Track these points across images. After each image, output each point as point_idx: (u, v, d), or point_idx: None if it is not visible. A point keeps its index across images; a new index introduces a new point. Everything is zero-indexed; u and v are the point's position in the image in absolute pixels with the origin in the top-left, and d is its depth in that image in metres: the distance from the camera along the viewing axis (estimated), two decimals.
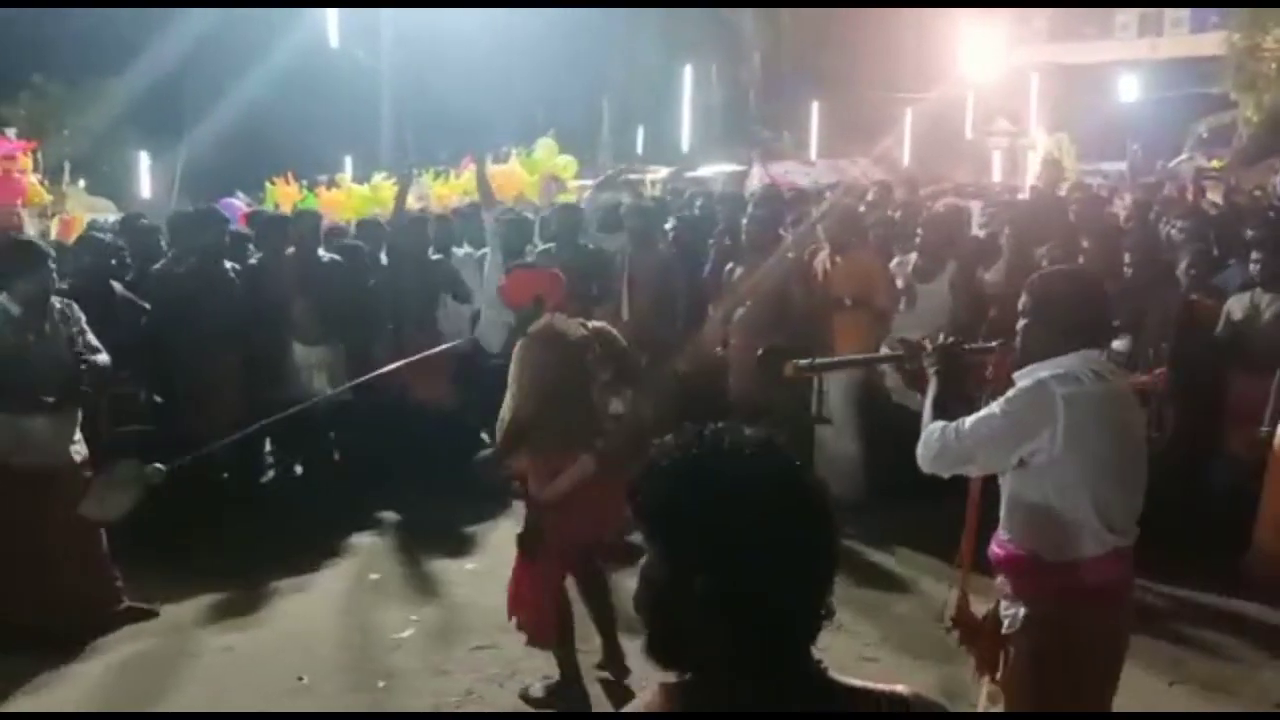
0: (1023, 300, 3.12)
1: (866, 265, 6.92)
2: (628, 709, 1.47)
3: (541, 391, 4.31)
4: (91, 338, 5.28)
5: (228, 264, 7.02)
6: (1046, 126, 19.36)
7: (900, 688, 1.48)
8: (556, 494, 4.30)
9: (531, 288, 4.54)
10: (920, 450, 3.11)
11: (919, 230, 7.08)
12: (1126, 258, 6.20)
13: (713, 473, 1.39)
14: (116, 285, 6.57)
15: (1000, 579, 3.11)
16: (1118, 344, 5.88)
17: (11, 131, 9.35)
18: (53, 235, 8.86)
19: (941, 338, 3.37)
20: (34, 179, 9.08)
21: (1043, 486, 2.94)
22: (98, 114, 20.72)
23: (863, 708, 1.43)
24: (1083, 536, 2.94)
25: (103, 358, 5.28)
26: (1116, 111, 21.38)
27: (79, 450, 5.25)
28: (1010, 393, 3.01)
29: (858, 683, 1.44)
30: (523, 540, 4.39)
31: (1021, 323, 3.10)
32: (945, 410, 3.12)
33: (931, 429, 3.09)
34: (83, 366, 5.14)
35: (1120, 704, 3.16)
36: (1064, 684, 2.97)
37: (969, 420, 3.01)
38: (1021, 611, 3.02)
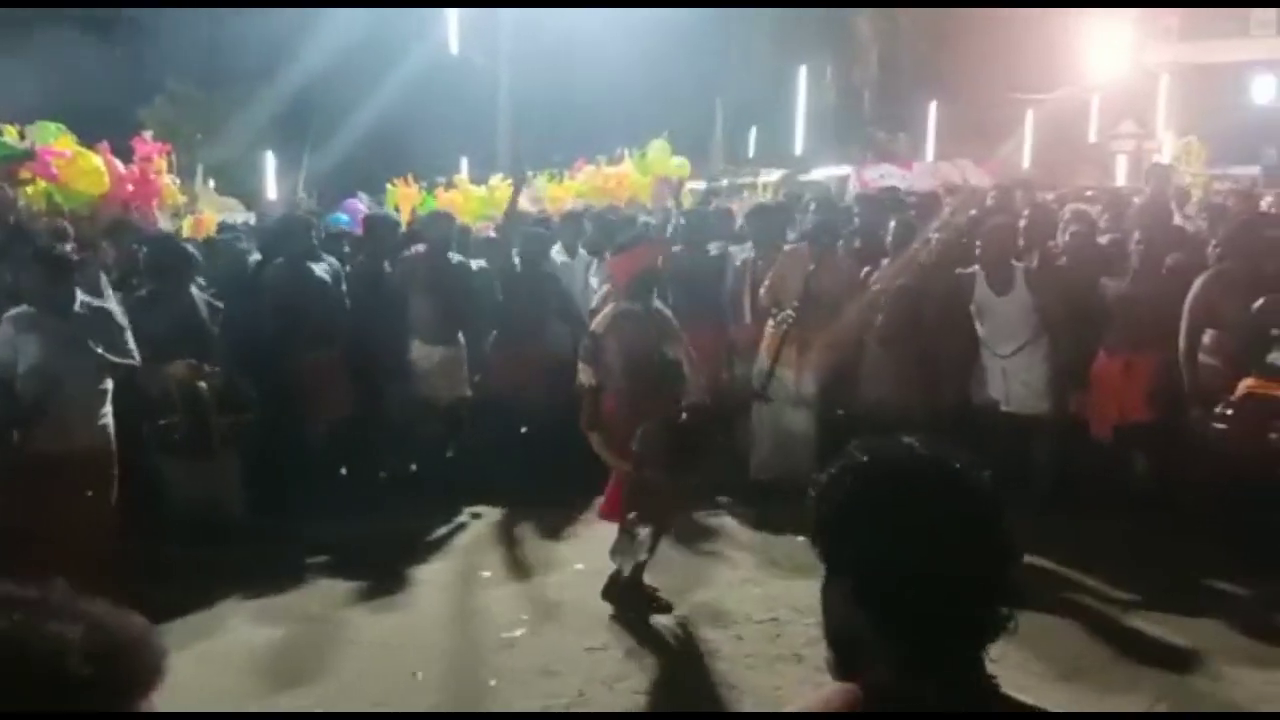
0: None
1: None
2: (801, 705, 1.47)
3: None
4: (128, 344, 5.55)
5: (317, 266, 7.21)
6: (1175, 129, 18.71)
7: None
8: None
9: None
10: None
11: (977, 245, 6.89)
12: None
13: (871, 479, 1.43)
14: (195, 290, 6.66)
15: None
16: (1275, 356, 5.63)
17: (148, 134, 9.71)
18: (185, 234, 9.19)
19: None
20: (169, 180, 9.43)
21: None
22: (228, 118, 21.48)
23: None
24: None
25: (129, 362, 5.56)
26: (1251, 114, 20.52)
27: (98, 440, 5.46)
28: None
29: (1030, 701, 1.43)
30: None
31: None
32: None
33: None
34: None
35: None
36: None
37: None
38: None
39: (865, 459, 1.45)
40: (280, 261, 7.18)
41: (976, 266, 6.80)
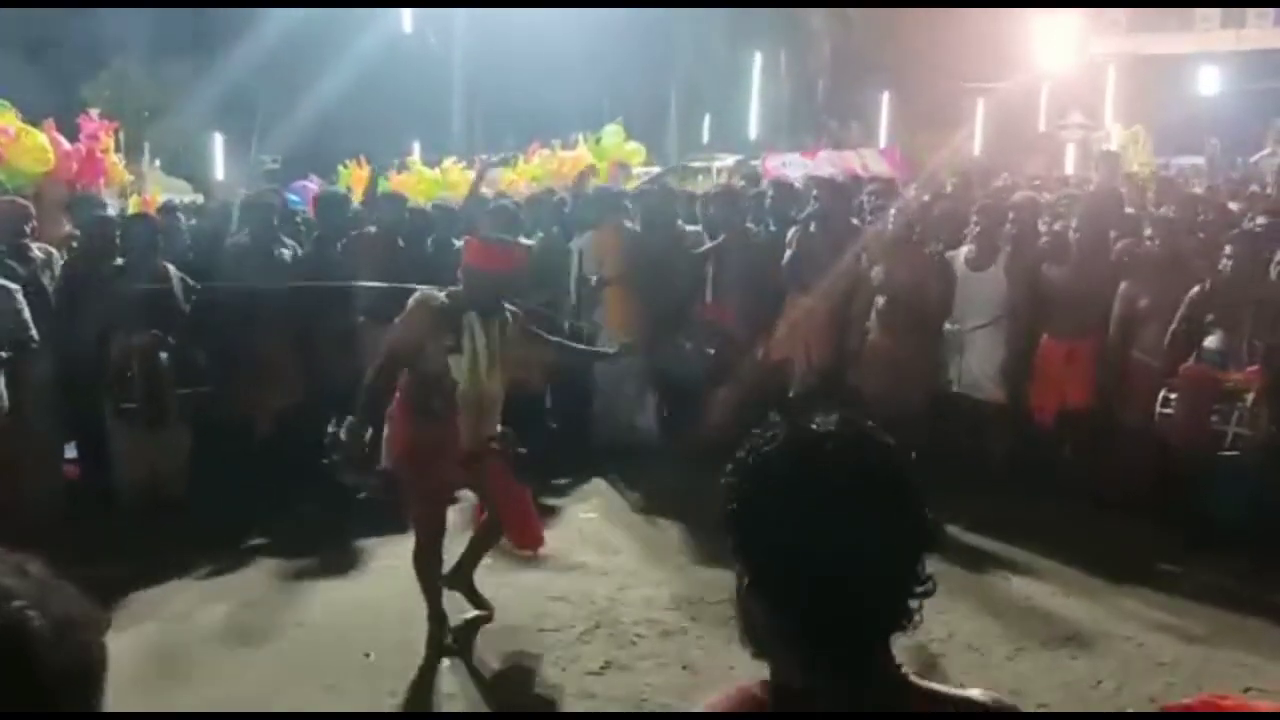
0: None
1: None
2: (704, 706, 1.42)
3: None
4: (24, 321, 5.77)
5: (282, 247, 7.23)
6: (1122, 119, 18.99)
7: (977, 692, 1.43)
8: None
9: None
10: None
11: (974, 219, 7.06)
12: (1228, 250, 6.00)
13: (773, 463, 1.32)
14: (170, 265, 6.72)
15: None
16: (1211, 341, 5.74)
17: (94, 112, 9.51)
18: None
19: None
20: (115, 159, 9.25)
21: None
22: (176, 96, 21.11)
23: (939, 713, 1.38)
24: None
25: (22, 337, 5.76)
26: (1195, 105, 20.89)
27: None
28: None
29: (936, 686, 1.39)
30: None
31: None
32: None
33: None
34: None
35: None
36: None
37: None
38: None
39: (765, 441, 1.34)
40: (244, 240, 7.19)
41: (965, 248, 6.94)
